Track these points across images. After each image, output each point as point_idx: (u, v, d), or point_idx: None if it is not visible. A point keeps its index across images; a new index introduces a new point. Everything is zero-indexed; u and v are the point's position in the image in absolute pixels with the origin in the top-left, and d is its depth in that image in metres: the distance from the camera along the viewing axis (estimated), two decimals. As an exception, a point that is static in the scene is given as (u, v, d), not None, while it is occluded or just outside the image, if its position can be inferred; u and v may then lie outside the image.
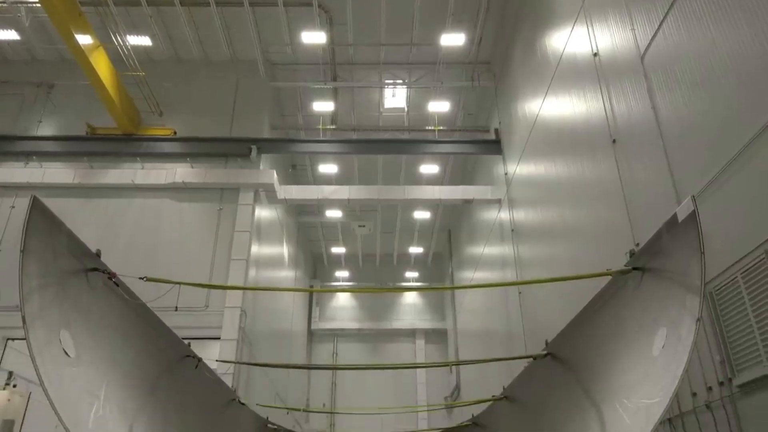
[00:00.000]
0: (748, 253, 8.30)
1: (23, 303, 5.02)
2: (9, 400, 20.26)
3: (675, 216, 5.88)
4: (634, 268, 6.59)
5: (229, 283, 19.70)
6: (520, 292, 20.11)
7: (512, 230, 21.42)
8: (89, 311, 6.39)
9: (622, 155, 12.09)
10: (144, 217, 21.14)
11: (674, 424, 10.34)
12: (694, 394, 9.71)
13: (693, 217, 5.54)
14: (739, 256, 8.48)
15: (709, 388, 9.33)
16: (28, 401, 21.14)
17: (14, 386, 21.11)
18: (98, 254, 6.77)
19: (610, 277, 7.31)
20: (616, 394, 6.16)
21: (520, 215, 20.95)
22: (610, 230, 12.65)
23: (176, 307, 9.47)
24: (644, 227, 10.69)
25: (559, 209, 16.76)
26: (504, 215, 22.93)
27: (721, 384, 9.02)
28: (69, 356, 5.60)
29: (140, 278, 7.34)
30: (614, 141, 12.33)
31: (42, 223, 5.74)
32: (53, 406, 4.75)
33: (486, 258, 26.69)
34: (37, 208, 5.53)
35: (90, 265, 6.60)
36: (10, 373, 21.10)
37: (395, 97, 26.56)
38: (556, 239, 16.87)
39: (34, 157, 21.23)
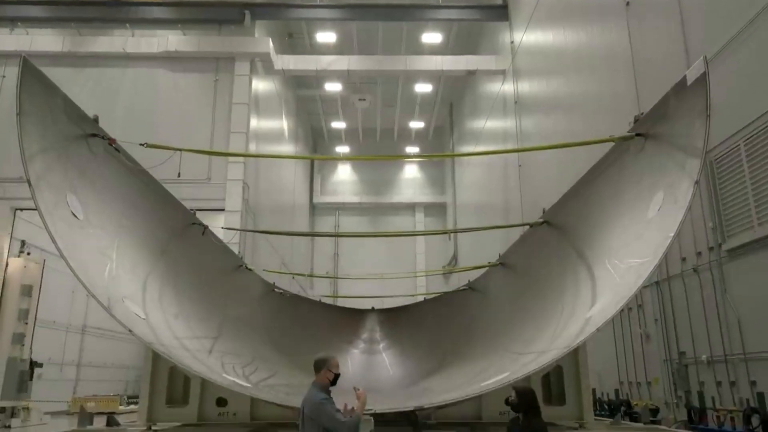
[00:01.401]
0: (753, 121, 8.22)
1: (26, 166, 5.04)
2: (25, 266, 21.17)
3: (684, 78, 5.73)
4: (637, 134, 6.53)
5: (229, 157, 19.72)
6: (520, 165, 20.18)
7: (515, 102, 21.01)
8: (93, 176, 6.44)
9: (635, 19, 11.53)
10: (139, 88, 20.64)
11: (661, 288, 10.89)
12: (684, 259, 10.11)
13: (702, 79, 5.39)
14: (744, 123, 8.40)
15: (699, 254, 9.70)
16: (43, 268, 22.10)
17: (28, 254, 21.96)
18: (96, 120, 6.70)
19: (610, 149, 7.29)
20: (609, 256, 6.39)
21: (524, 87, 20.44)
22: (616, 102, 12.41)
23: (179, 174, 9.51)
24: (650, 99, 10.49)
25: (565, 80, 16.32)
26: (508, 87, 22.37)
27: (710, 249, 9.36)
28: (78, 219, 5.74)
29: (140, 144, 7.32)
30: (627, 3, 11.69)
31: (35, 85, 5.61)
32: (68, 262, 4.92)
33: (488, 132, 26.46)
34: (28, 69, 5.38)
35: (89, 131, 6.55)
36: (23, 242, 21.84)
37: (397, -42, 24.74)
38: (560, 112, 16.60)
39: (20, 24, 20.30)
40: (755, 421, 7.78)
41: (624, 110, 11.30)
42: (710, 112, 5.20)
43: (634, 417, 10.47)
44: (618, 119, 10.60)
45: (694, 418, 9.30)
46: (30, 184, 5.01)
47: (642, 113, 6.74)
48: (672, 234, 5.12)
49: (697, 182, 5.11)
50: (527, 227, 10.29)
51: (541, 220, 9.24)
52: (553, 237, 8.79)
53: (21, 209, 20.01)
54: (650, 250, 5.45)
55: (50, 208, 5.20)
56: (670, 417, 10.29)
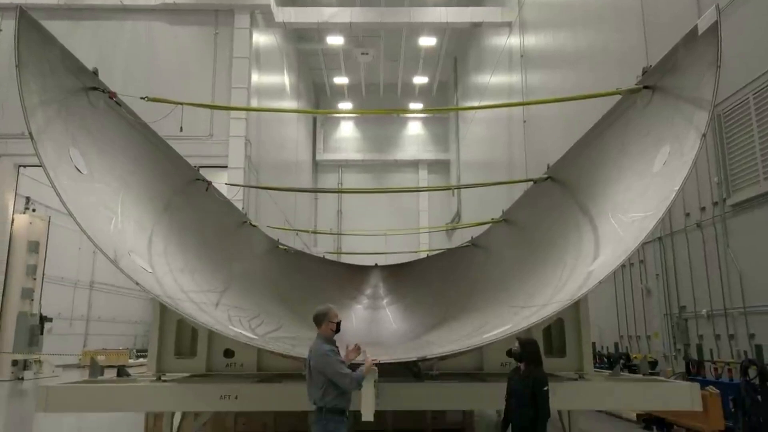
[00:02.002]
0: (763, 74, 8.07)
1: (28, 118, 5.00)
2: (30, 223, 21.33)
3: (695, 28, 5.58)
4: (645, 87, 6.42)
5: (231, 112, 19.54)
6: (525, 121, 19.96)
7: (521, 56, 20.61)
8: (94, 130, 6.40)
9: (646, -32, 11.19)
10: (138, 41, 20.30)
11: (664, 243, 10.92)
12: (687, 215, 10.11)
13: (714, 28, 5.25)
14: (754, 76, 8.25)
15: (703, 209, 9.68)
16: (49, 224, 22.27)
17: (33, 210, 22.09)
18: (95, 73, 6.61)
19: (617, 102, 7.18)
20: (613, 210, 6.38)
21: (531, 40, 20.01)
22: (624, 56, 12.15)
23: (181, 128, 9.43)
24: (660, 53, 10.27)
25: (573, 33, 15.95)
26: (514, 40, 21.90)
27: (715, 204, 9.34)
28: (81, 173, 5.73)
29: (141, 98, 7.24)
30: (639, -48, 11.31)
31: (33, 36, 5.52)
32: (73, 216, 4.94)
33: (493, 87, 26.06)
34: (25, 20, 5.28)
35: (89, 84, 6.47)
36: (28, 199, 21.93)
37: None
38: (567, 67, 16.30)
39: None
40: (752, 372, 7.93)
41: (632, 65, 11.09)
42: (720, 63, 5.09)
43: (632, 369, 10.67)
44: (626, 74, 10.42)
45: (691, 370, 9.47)
46: (32, 138, 4.98)
47: (650, 65, 6.61)
48: (677, 188, 5.09)
49: (704, 135, 5.05)
50: (531, 183, 10.25)
51: (546, 175, 9.19)
52: (557, 193, 8.75)
53: (24, 166, 19.98)
54: (655, 204, 5.43)
55: (53, 162, 5.19)
56: (668, 370, 10.49)
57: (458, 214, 34.04)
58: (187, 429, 7.31)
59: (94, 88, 6.54)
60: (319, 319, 4.66)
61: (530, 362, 4.95)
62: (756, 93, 8.20)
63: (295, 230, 22.81)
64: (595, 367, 9.30)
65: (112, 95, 6.72)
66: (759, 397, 7.86)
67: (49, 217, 22.44)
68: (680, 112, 5.68)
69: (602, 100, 7.31)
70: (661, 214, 5.22)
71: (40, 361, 21.40)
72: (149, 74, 19.68)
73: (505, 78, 23.62)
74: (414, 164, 41.73)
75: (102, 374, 7.19)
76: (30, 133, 5.01)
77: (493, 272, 10.65)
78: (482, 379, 6.77)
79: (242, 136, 19.73)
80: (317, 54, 35.54)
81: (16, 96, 5.10)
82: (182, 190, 8.82)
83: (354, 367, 4.60)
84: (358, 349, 4.93)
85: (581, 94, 9.03)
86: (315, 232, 28.05)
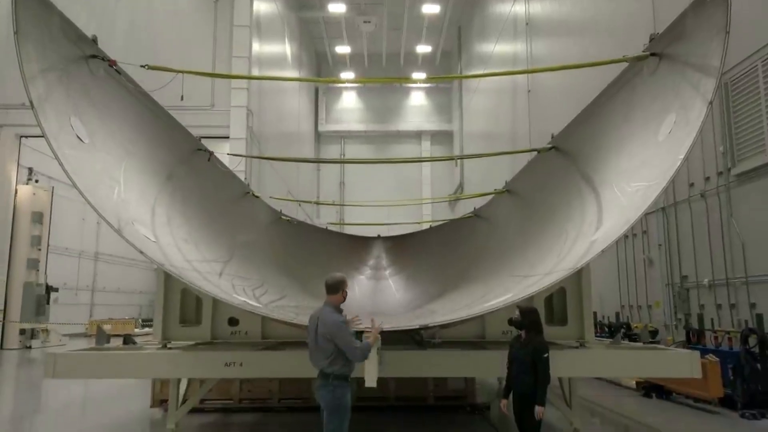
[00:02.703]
0: (774, 40, 7.94)
1: (28, 87, 4.96)
2: (34, 194, 21.38)
3: (705, -8, 5.47)
4: (652, 54, 6.33)
5: (232, 82, 19.37)
6: (529, 91, 19.75)
7: (526, 24, 20.28)
8: (95, 99, 6.35)
9: (656, -68, 10.91)
10: (137, 10, 20.01)
11: (667, 213, 10.91)
12: (692, 185, 10.07)
13: (724, -8, 5.14)
14: (762, 43, 8.12)
15: (707, 178, 9.64)
16: (52, 195, 22.32)
17: (36, 181, 22.11)
18: (95, 40, 6.53)
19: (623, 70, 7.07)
20: (617, 179, 6.34)
21: (536, 8, 19.66)
22: (631, 24, 11.94)
23: (182, 97, 9.36)
24: (666, 20, 10.10)
25: (579, 0, 15.65)
26: (519, 8, 21.52)
27: (719, 174, 9.29)
28: (83, 142, 5.71)
29: (141, 66, 7.16)
30: None
31: (31, 2, 5.44)
32: (76, 185, 4.93)
33: (497, 56, 25.70)
34: (22, -15, 5.19)
35: (88, 52, 6.40)
36: (30, 170, 21.93)
37: None
38: (572, 35, 16.05)
39: (9, -58, 19.44)
40: (752, 341, 8.00)
41: (639, 35, 10.91)
42: (729, 30, 5.00)
43: (633, 339, 10.77)
44: (633, 44, 10.25)
45: (692, 339, 9.56)
46: (33, 106, 4.95)
47: (657, 33, 6.50)
48: (682, 156, 5.05)
49: (710, 103, 4.99)
50: (535, 154, 10.19)
51: (550, 145, 9.12)
52: (561, 162, 8.70)
53: (26, 136, 19.92)
54: (659, 173, 5.40)
55: (55, 131, 5.16)
56: (669, 338, 10.59)
57: (461, 186, 33.96)
58: (193, 395, 7.44)
59: (94, 57, 6.47)
60: (336, 287, 4.65)
61: (531, 330, 5.00)
62: (765, 60, 8.08)
63: (297, 201, 22.80)
64: (596, 336, 9.39)
65: (111, 63, 6.65)
66: (758, 365, 7.95)
67: (53, 188, 22.47)
68: (687, 80, 5.61)
69: (608, 69, 7.21)
70: (665, 183, 5.20)
71: (47, 330, 21.70)
72: (149, 44, 19.46)
73: (509, 47, 23.28)
74: (417, 135, 41.48)
75: (108, 342, 7.29)
76: (30, 102, 4.97)
77: (496, 242, 10.67)
78: (484, 347, 6.84)
79: (244, 106, 19.59)
80: (319, 22, 35.02)
81: (17, 65, 5.05)
82: (185, 160, 8.79)
83: (358, 335, 4.65)
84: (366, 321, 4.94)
85: (587, 62, 8.91)
86: (318, 203, 28.02)
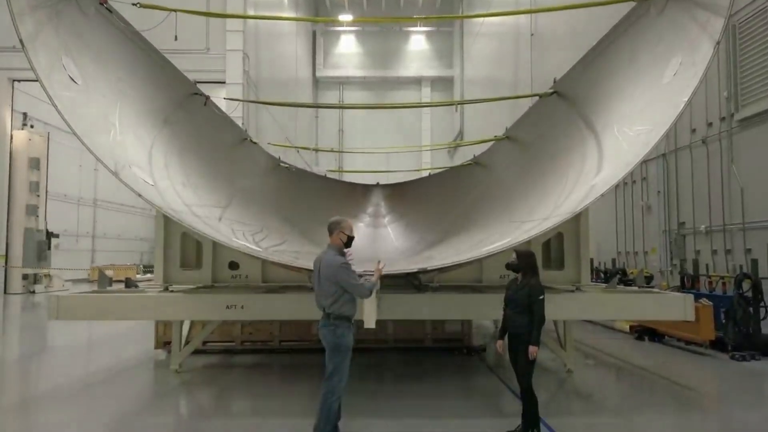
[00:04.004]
0: (786, -19, 7.68)
1: (17, 24, 4.82)
2: (30, 139, 21.17)
3: (718, -73, 5.24)
4: (661, -8, 6.13)
5: (227, 24, 18.84)
6: (532, 35, 19.27)
7: (531, -36, 19.58)
8: (87, 39, 6.18)
9: None
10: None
11: (667, 159, 10.85)
12: (693, 131, 9.97)
13: (738, -73, 4.95)
14: (775, -17, 7.86)
15: (710, 124, 9.54)
16: (48, 141, 22.12)
17: (31, 126, 21.85)
18: (84, -23, 6.30)
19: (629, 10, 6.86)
20: (619, 123, 6.27)
21: (541, -54, 18.94)
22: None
23: (175, 37, 9.09)
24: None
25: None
26: (523, -53, 20.74)
27: (722, 120, 9.19)
28: (76, 83, 5.59)
29: (133, 4, 6.94)
30: None
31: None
32: (69, 125, 4.86)
33: (499, -1, 24.96)
34: None
35: (78, -10, 6.20)
36: (25, 115, 21.62)
37: None
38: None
39: None
40: (746, 285, 8.10)
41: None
42: (742, -35, 4.83)
43: (628, 284, 10.90)
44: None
45: (686, 284, 9.69)
46: (23, 44, 4.82)
47: (667, -29, 6.26)
48: (686, 99, 4.97)
49: (718, 43, 4.87)
50: (536, 99, 10.03)
51: (552, 90, 8.96)
52: (563, 107, 8.58)
53: (19, 80, 19.54)
54: (662, 116, 5.33)
55: (46, 70, 5.05)
56: (663, 284, 10.73)
57: (461, 133, 33.63)
58: (195, 337, 7.60)
59: (83, -7, 6.26)
60: (332, 228, 4.71)
61: (527, 272, 5.04)
62: (775, 2, 7.85)
63: (296, 147, 22.61)
64: (592, 282, 9.51)
65: (102, 1, 6.45)
66: (750, 309, 8.09)
67: (48, 134, 22.23)
68: (695, 19, 5.46)
69: (615, 11, 7.00)
70: (668, 126, 5.14)
71: (49, 276, 21.96)
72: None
73: (513, -12, 22.55)
74: (417, 81, 40.75)
75: (111, 286, 7.37)
76: (21, 40, 4.84)
77: (495, 189, 10.65)
78: (481, 291, 6.94)
79: (239, 50, 19.13)
80: (316, -38, 33.80)
81: (5, 6, 4.88)
82: (180, 104, 8.64)
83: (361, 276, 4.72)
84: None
85: (594, 1, 8.64)
86: (316, 150, 27.78)
